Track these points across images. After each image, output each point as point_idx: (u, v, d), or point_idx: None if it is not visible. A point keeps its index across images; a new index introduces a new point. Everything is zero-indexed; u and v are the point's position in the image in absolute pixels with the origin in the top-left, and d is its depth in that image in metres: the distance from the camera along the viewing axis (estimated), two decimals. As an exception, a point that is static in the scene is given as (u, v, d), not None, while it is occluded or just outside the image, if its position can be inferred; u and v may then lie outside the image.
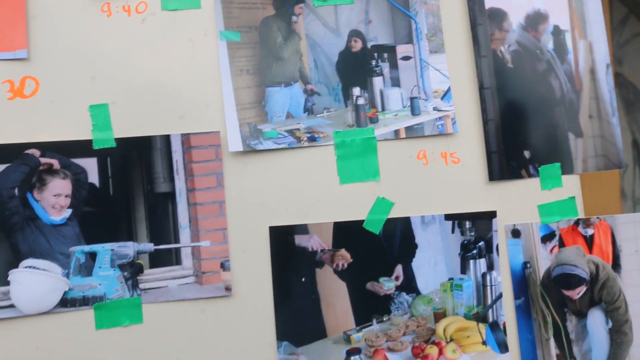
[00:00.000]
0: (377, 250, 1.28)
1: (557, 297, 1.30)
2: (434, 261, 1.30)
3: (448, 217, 1.30)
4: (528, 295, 1.32)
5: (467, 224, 1.31)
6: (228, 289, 1.22)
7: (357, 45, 1.31)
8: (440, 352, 1.27)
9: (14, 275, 1.17)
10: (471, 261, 1.31)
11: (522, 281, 1.32)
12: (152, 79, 1.24)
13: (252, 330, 1.23)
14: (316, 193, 1.27)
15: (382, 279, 1.28)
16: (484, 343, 1.29)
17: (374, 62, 1.31)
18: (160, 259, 1.22)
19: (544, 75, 1.36)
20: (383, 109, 1.31)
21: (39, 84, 1.21)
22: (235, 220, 1.24)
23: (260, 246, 1.24)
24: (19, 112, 1.20)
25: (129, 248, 1.21)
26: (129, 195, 1.22)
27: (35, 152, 1.19)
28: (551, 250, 1.33)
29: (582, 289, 1.29)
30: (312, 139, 1.27)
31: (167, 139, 1.23)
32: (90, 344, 1.18)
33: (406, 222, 1.29)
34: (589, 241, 1.33)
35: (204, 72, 1.26)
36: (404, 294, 1.28)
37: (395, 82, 1.32)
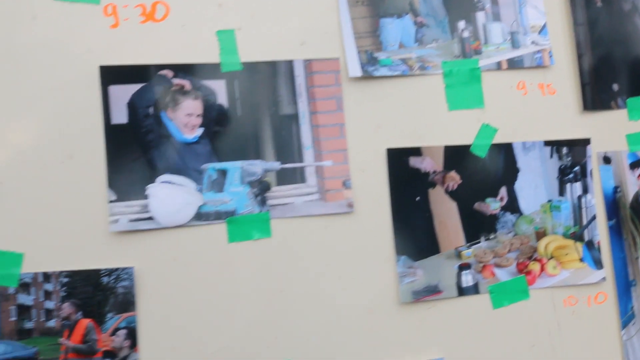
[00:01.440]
0: (483, 173, 1.37)
1: (648, 217, 1.41)
2: (534, 184, 1.39)
3: (547, 143, 1.40)
4: (619, 217, 1.42)
5: (564, 150, 1.41)
6: (350, 205, 1.30)
7: (463, -19, 1.40)
8: (542, 268, 1.37)
9: (151, 189, 1.23)
10: (568, 184, 1.41)
11: (613, 204, 1.43)
12: (275, 7, 1.31)
13: (373, 245, 1.31)
14: (427, 118, 1.36)
15: (488, 200, 1.37)
16: (581, 260, 1.39)
17: (478, -3, 1.40)
18: (286, 177, 1.29)
19: (630, 15, 1.47)
20: (486, 42, 1.41)
21: (169, 9, 1.27)
22: (354, 141, 1.32)
23: (378, 166, 1.32)
24: (151, 35, 1.26)
25: (257, 166, 1.28)
26: (255, 116, 1.29)
27: (169, 74, 1.26)
28: (638, 176, 1.44)
29: (671, 209, 1.41)
30: (422, 68, 1.36)
31: (290, 64, 1.30)
32: (223, 256, 1.25)
33: (508, 147, 1.38)
34: (675, 166, 1.44)
35: (323, 1, 1.33)
36: (508, 213, 1.38)
37: (497, 17, 1.42)
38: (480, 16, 1.41)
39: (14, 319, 1.18)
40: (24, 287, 1.18)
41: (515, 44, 1.42)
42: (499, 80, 1.40)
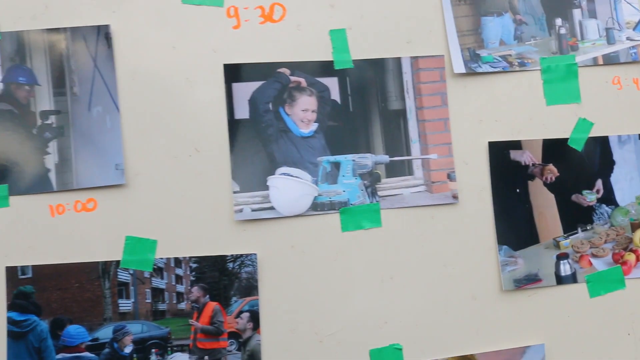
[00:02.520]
0: (580, 166, 1.43)
1: None
2: (629, 176, 1.45)
3: (642, 136, 1.45)
4: None
5: (659, 143, 1.45)
6: (455, 197, 1.37)
7: (561, -21, 1.45)
8: (638, 259, 1.43)
9: (271, 180, 1.32)
10: (662, 177, 1.45)
11: None
12: (383, 7, 1.38)
13: (476, 234, 1.38)
14: (527, 112, 1.42)
15: (585, 192, 1.43)
16: (675, 251, 1.44)
17: (575, -5, 1.46)
18: (394, 170, 1.36)
19: None
20: (582, 38, 1.46)
21: (285, 10, 1.35)
22: (458, 135, 1.39)
23: (480, 159, 1.39)
24: (270, 35, 1.34)
25: (367, 159, 1.35)
26: (366, 111, 1.36)
27: (286, 71, 1.34)
28: None
29: None
30: (522, 64, 1.42)
31: (398, 61, 1.38)
32: (337, 244, 1.33)
33: (604, 140, 1.44)
34: None
35: (427, 1, 1.40)
36: (604, 205, 1.43)
37: (592, 14, 1.47)
38: (576, 13, 1.47)
39: (149, 301, 1.28)
40: (158, 271, 1.28)
41: (610, 40, 1.47)
42: (595, 76, 1.45)
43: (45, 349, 1.23)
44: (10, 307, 1.23)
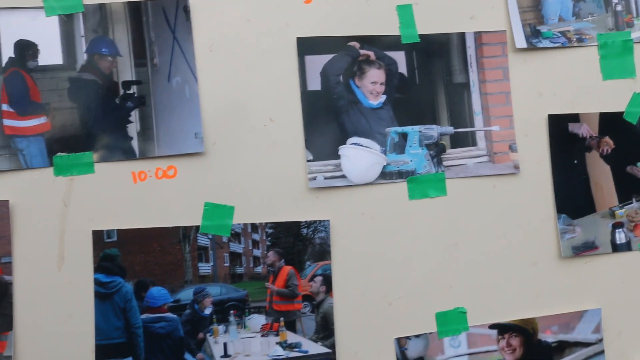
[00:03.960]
0: (635, 139, 1.49)
1: None
2: (681, 149, 1.51)
3: (693, 111, 1.51)
4: None
5: None
6: (516, 167, 1.43)
7: (618, -42, 1.51)
8: (688, 228, 1.49)
9: (343, 150, 1.38)
10: None
11: None
12: (447, -16, 1.44)
13: (535, 204, 1.44)
14: (584, 87, 1.48)
15: (639, 164, 1.49)
16: None
17: (631, -27, 1.51)
18: (458, 141, 1.43)
19: None
20: (637, 15, 1.51)
21: (353, -15, 1.41)
22: (518, 108, 1.45)
23: (540, 131, 1.45)
24: (340, 9, 1.40)
25: (433, 130, 1.41)
26: (431, 84, 1.42)
27: (356, 45, 1.40)
28: None
29: None
30: (580, 40, 1.48)
31: (462, 36, 1.43)
32: (404, 212, 1.40)
33: (658, 114, 1.50)
34: None
35: (490, -22, 1.46)
36: (657, 176, 1.50)
37: (647, -8, 1.52)
38: (632, -9, 1.52)
39: (227, 264, 1.34)
40: (235, 236, 1.34)
41: (664, 17, 1.53)
42: (649, 52, 1.51)
43: (130, 310, 1.29)
44: (97, 269, 1.29)
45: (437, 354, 1.39)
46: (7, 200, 1.26)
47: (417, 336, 1.38)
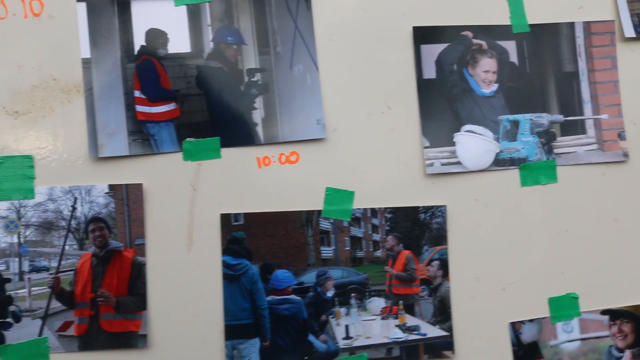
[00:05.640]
0: None
1: None
2: None
3: None
4: None
5: None
6: (625, 155, 1.46)
7: None
8: None
9: (457, 137, 1.42)
10: None
11: None
12: (556, -26, 1.48)
13: (645, 192, 1.47)
14: (690, 76, 1.50)
15: None
16: None
17: None
18: (568, 129, 1.46)
19: None
20: None
21: (467, -24, 1.45)
22: (627, 97, 1.48)
23: (647, 120, 1.48)
24: (454, 0, 1.43)
25: (544, 118, 1.45)
26: (541, 73, 1.46)
27: (469, 34, 1.43)
28: None
29: None
30: (685, 30, 1.50)
31: (571, 26, 1.47)
32: (516, 198, 1.43)
33: None
34: None
35: (597, -32, 1.49)
36: None
37: None
38: None
39: (348, 248, 1.38)
40: (356, 221, 1.38)
41: None
42: None
43: (257, 291, 1.33)
44: (225, 251, 1.33)
45: (550, 338, 1.42)
46: (141, 184, 1.31)
47: (531, 321, 1.41)
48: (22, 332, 1.26)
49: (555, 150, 1.46)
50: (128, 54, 1.34)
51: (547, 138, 1.46)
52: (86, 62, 1.33)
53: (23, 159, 1.30)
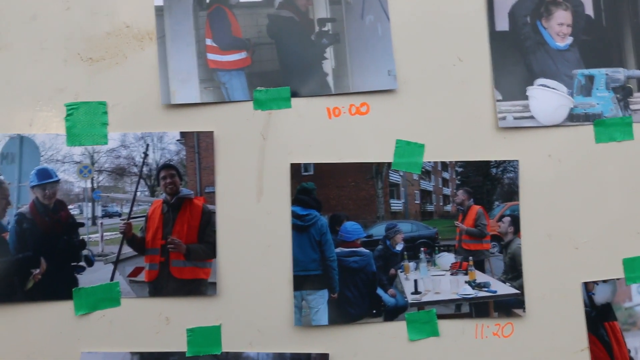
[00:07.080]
0: None
1: None
2: None
3: None
4: None
5: None
6: None
7: None
8: None
9: (531, 91, 1.39)
10: None
11: None
12: None
13: None
14: None
15: None
16: None
17: None
18: (645, 85, 1.42)
19: None
20: None
21: None
22: None
23: None
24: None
25: (620, 73, 1.41)
26: (618, 26, 1.42)
27: (544, -15, 1.40)
28: None
29: None
30: None
31: (649, -22, 1.42)
32: (591, 155, 1.41)
33: None
34: None
35: None
36: None
37: None
38: None
39: (417, 202, 1.36)
40: (426, 174, 1.36)
41: None
42: None
43: (325, 242, 1.32)
44: (294, 201, 1.33)
45: (624, 300, 1.38)
46: (212, 132, 1.32)
47: (604, 281, 1.38)
48: (94, 276, 1.28)
49: (632, 107, 1.42)
50: (200, 2, 1.34)
51: (623, 94, 1.42)
52: (159, 10, 1.34)
53: (97, 105, 1.32)
